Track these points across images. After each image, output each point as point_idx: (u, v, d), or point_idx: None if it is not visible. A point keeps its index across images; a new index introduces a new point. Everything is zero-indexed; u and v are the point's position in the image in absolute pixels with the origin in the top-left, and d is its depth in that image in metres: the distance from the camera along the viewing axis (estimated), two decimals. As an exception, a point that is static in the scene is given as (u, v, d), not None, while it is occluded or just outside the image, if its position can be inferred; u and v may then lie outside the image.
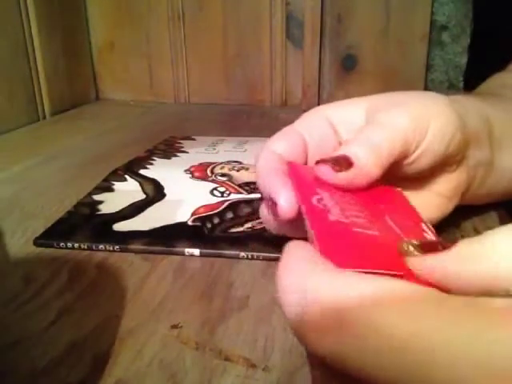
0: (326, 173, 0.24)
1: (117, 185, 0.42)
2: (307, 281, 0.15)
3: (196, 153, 0.50)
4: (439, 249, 0.16)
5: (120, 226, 0.34)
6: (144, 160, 0.48)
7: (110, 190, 0.41)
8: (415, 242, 0.17)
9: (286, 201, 0.24)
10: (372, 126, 0.26)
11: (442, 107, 0.27)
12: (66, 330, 0.24)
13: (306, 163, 0.28)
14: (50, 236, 0.33)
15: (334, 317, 0.14)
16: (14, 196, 0.41)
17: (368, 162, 0.24)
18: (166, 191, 0.40)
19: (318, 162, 0.24)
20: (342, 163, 0.24)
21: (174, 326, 0.24)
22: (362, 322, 0.13)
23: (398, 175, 0.27)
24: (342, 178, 0.23)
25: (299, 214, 0.24)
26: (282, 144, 0.27)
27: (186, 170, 0.45)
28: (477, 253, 0.15)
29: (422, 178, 0.29)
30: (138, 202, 0.38)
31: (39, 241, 0.33)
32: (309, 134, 0.28)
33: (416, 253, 0.17)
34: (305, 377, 0.21)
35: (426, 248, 0.17)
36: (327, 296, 0.14)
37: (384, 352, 0.12)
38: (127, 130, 0.64)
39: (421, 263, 0.16)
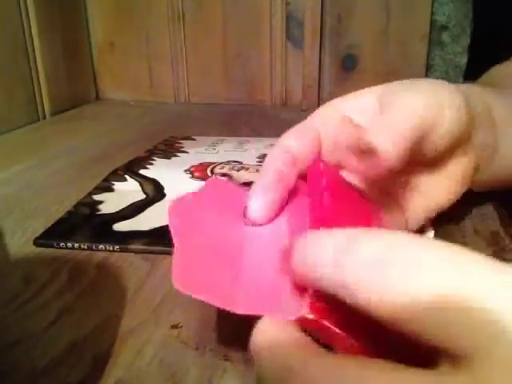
0: (350, 162, 0.24)
1: (117, 185, 0.42)
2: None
3: (196, 153, 0.50)
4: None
5: (120, 226, 0.34)
6: (144, 160, 0.48)
7: (110, 189, 0.41)
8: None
9: (257, 206, 0.25)
10: (389, 110, 0.26)
11: (450, 90, 0.27)
12: (66, 329, 0.24)
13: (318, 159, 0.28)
14: (49, 236, 0.33)
15: None
16: (14, 196, 0.41)
17: (390, 151, 0.23)
18: (166, 191, 0.40)
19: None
20: (365, 153, 0.24)
21: (174, 326, 0.24)
22: None
23: (413, 161, 0.27)
24: (364, 167, 0.24)
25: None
26: (296, 141, 0.27)
27: (186, 170, 0.45)
28: None
29: (432, 163, 0.29)
30: (137, 201, 0.38)
31: (39, 241, 0.33)
32: (324, 131, 0.28)
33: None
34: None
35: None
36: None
37: None
38: (127, 130, 0.64)
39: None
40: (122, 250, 0.31)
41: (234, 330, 0.24)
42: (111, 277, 0.29)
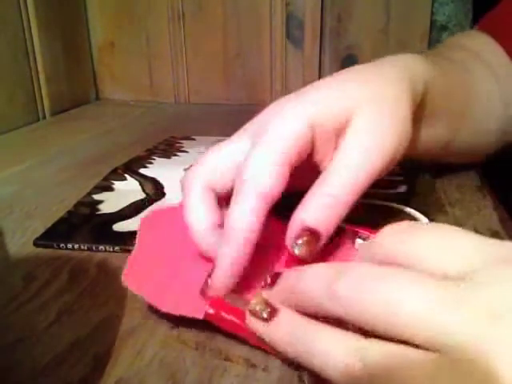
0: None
1: (116, 184, 0.42)
2: None
3: (196, 152, 0.50)
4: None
5: (120, 227, 0.34)
6: (144, 159, 0.48)
7: (110, 189, 0.41)
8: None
9: (219, 283, 0.24)
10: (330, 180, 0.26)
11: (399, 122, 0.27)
12: (66, 329, 0.24)
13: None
14: (49, 237, 0.33)
15: None
16: (14, 196, 0.41)
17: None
18: (165, 190, 0.40)
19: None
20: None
21: (174, 326, 0.24)
22: None
23: None
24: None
25: None
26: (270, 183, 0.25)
27: (185, 169, 0.45)
28: None
29: None
30: (137, 201, 0.38)
31: (39, 242, 0.33)
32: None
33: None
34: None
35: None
36: None
37: None
38: (127, 130, 0.64)
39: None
40: (122, 251, 0.31)
41: (234, 330, 0.24)
42: (111, 277, 0.29)
